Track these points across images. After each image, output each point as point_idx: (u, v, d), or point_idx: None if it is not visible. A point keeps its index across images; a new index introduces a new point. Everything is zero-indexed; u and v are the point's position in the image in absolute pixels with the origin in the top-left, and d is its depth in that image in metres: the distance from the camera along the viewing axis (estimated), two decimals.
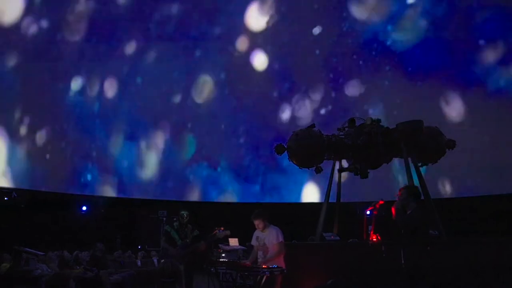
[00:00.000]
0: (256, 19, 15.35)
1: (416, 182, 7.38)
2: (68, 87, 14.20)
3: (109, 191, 14.73)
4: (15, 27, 12.99)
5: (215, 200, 15.56)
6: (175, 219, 7.18)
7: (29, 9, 13.23)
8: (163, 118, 15.36)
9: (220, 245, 6.73)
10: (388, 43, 14.51)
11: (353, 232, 7.63)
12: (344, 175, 8.53)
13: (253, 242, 6.47)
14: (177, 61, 15.28)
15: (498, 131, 12.75)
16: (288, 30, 15.30)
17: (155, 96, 15.16)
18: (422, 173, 7.78)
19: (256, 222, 6.40)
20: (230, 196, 15.64)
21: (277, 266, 6.08)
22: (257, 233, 6.47)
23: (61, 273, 8.34)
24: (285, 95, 15.60)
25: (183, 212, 6.96)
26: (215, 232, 6.84)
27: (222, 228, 6.84)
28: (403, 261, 4.88)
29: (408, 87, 13.99)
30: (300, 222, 11.43)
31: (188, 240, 6.83)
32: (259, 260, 6.32)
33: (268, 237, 6.32)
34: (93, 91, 14.58)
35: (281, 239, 6.31)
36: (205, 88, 15.57)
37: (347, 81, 15.07)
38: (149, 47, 15.09)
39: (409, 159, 7.60)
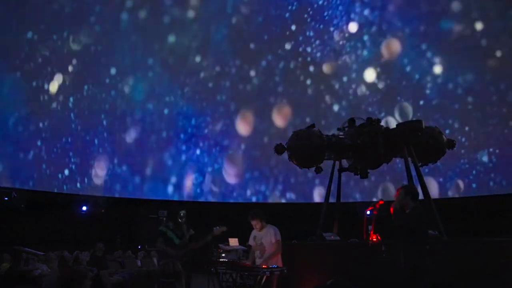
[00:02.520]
0: None
1: (416, 182, 7.39)
2: None
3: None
4: None
5: (215, 200, 15.56)
6: (164, 219, 7.08)
7: None
8: None
9: (220, 245, 6.72)
10: None
11: (353, 232, 7.63)
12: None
13: (250, 241, 6.49)
14: None
15: None
16: None
17: None
18: None
19: (254, 223, 6.41)
20: None
21: (276, 266, 6.09)
22: (254, 232, 6.48)
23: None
24: None
25: (181, 211, 6.90)
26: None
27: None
28: (403, 261, 4.88)
29: None
30: (300, 222, 11.44)
31: (185, 239, 6.79)
32: (257, 259, 6.33)
33: (265, 237, 6.33)
34: None
35: (278, 237, 6.32)
36: None
37: None
38: None
39: (409, 159, 7.59)
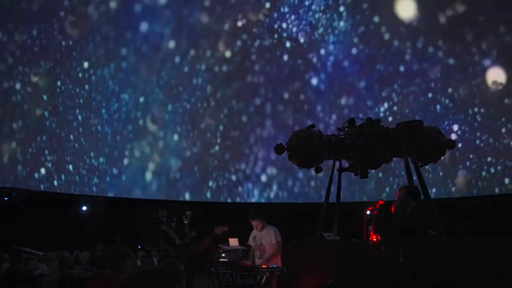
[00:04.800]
0: None
1: (416, 182, 7.40)
2: None
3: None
4: None
5: (215, 200, 15.55)
6: (175, 219, 7.13)
7: None
8: None
9: (220, 245, 6.74)
10: None
11: (353, 232, 7.63)
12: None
13: (250, 242, 6.49)
14: None
15: None
16: None
17: None
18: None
19: (255, 223, 6.42)
20: None
21: (276, 266, 6.10)
22: (254, 233, 6.49)
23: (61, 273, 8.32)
24: None
25: (187, 212, 6.93)
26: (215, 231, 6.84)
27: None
28: (402, 261, 4.89)
29: None
30: (300, 222, 11.44)
31: (187, 240, 6.81)
32: (256, 259, 6.33)
33: (265, 237, 6.34)
34: None
35: (278, 238, 6.33)
36: None
37: None
38: None
39: (409, 159, 7.60)
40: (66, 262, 8.73)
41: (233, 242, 6.38)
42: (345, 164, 8.12)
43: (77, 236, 12.76)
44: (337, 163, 8.12)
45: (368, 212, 6.17)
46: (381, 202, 5.86)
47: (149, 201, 14.91)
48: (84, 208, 14.40)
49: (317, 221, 7.81)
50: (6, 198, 12.57)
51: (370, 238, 5.77)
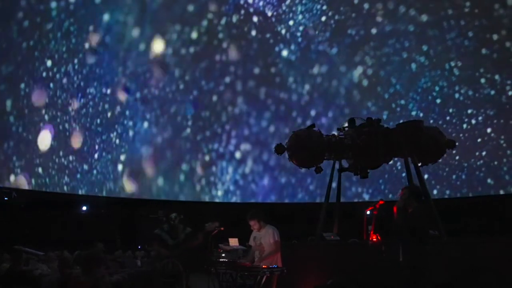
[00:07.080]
0: None
1: (416, 182, 7.39)
2: None
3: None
4: None
5: (215, 200, 15.54)
6: (164, 219, 7.12)
7: None
8: None
9: (220, 245, 6.75)
10: None
11: (353, 232, 7.63)
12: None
13: (251, 242, 6.51)
14: None
15: None
16: None
17: None
18: None
19: (252, 223, 6.45)
20: None
21: (276, 266, 6.11)
22: (254, 233, 6.51)
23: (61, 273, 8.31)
24: None
25: (172, 214, 6.94)
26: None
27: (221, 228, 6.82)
28: (402, 261, 4.89)
29: None
30: (300, 222, 11.44)
31: (179, 239, 6.82)
32: (256, 260, 6.34)
33: (264, 237, 6.37)
34: None
35: (277, 238, 6.35)
36: None
37: None
38: None
39: (409, 159, 7.60)
40: (66, 262, 8.72)
41: (233, 242, 6.38)
42: (345, 164, 8.12)
43: (77, 236, 12.77)
44: (337, 163, 8.11)
45: (368, 212, 6.18)
46: (381, 202, 5.87)
47: (149, 201, 14.91)
48: (84, 208, 14.39)
49: (317, 221, 7.80)
50: (6, 198, 12.57)
51: (370, 238, 5.78)
